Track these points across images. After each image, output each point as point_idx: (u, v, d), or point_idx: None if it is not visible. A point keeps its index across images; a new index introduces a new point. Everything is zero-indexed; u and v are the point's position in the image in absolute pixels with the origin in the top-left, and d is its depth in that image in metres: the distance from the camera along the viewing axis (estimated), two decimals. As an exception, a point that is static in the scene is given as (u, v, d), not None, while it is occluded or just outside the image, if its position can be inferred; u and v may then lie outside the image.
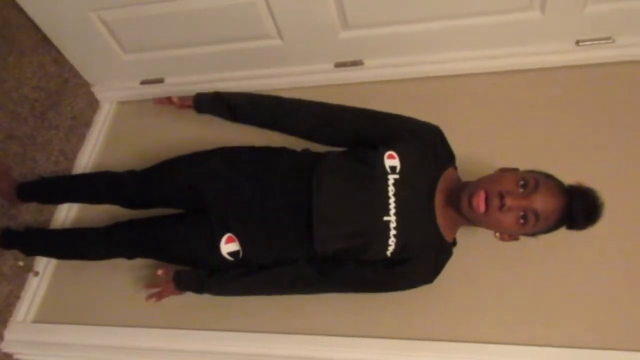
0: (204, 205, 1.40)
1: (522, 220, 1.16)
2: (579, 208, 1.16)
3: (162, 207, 1.55)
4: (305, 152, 1.44)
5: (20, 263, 1.77)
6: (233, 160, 1.43)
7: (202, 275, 1.44)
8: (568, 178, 1.22)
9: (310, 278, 1.36)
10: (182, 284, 1.47)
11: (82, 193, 1.71)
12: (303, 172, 1.32)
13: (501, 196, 1.15)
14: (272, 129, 1.47)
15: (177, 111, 1.77)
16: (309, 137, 1.45)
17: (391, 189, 1.26)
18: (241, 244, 1.35)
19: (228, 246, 1.35)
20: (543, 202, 1.14)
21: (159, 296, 1.52)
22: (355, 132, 1.39)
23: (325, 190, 1.28)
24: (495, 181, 1.20)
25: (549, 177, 1.21)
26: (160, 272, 1.48)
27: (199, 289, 1.46)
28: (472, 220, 1.25)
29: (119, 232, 1.54)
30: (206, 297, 1.50)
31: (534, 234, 1.23)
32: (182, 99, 1.53)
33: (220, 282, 1.43)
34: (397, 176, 1.27)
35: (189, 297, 1.54)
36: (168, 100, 1.55)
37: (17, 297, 1.77)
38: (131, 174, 1.57)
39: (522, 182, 1.16)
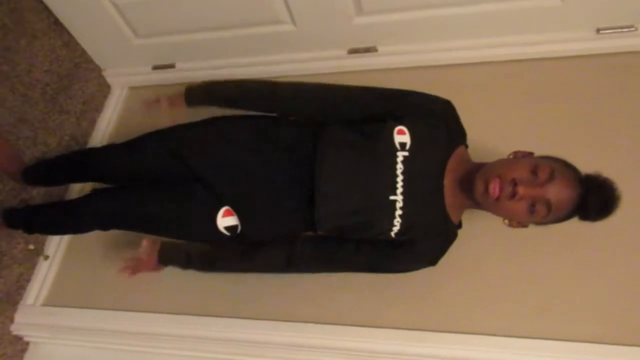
0: (198, 177, 1.31)
1: (532, 209, 1.12)
2: (594, 200, 1.11)
3: (148, 180, 1.43)
4: (306, 121, 1.35)
5: (31, 246, 1.78)
6: (230, 130, 1.33)
7: (191, 250, 1.40)
8: (585, 169, 1.18)
9: (309, 257, 1.32)
10: (167, 257, 1.41)
11: (73, 171, 1.62)
12: (304, 143, 1.26)
13: (514, 184, 1.11)
14: (273, 113, 1.39)
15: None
16: (311, 119, 1.36)
17: (400, 167, 1.19)
18: (240, 218, 1.28)
19: (225, 220, 1.28)
20: (557, 193, 1.10)
21: (134, 269, 1.43)
22: (363, 110, 1.30)
23: (328, 164, 1.21)
24: (510, 167, 1.15)
25: (566, 166, 1.16)
26: (145, 242, 1.41)
27: (185, 263, 1.40)
28: (482, 205, 1.20)
29: (98, 200, 1.44)
30: (218, 283, 1.50)
31: (544, 224, 1.18)
32: (171, 99, 1.46)
33: (209, 259, 1.38)
34: (406, 153, 1.20)
35: (201, 283, 1.53)
36: (157, 102, 1.49)
37: (28, 281, 1.78)
38: (113, 147, 1.51)
39: (536, 170, 1.12)
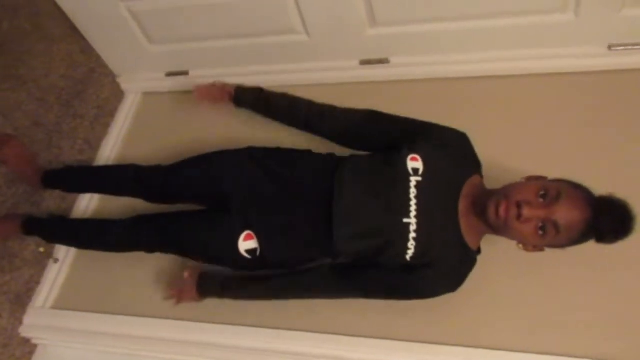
0: (226, 202, 1.40)
1: (541, 232, 1.13)
2: (605, 222, 1.11)
3: (184, 203, 1.57)
4: (330, 155, 1.44)
5: (41, 249, 1.79)
6: (260, 160, 1.43)
7: (225, 280, 1.47)
8: (597, 187, 1.18)
9: (330, 284, 1.35)
10: (204, 287, 1.50)
11: (108, 184, 1.73)
12: (326, 173, 1.32)
13: (519, 206, 1.13)
14: (303, 130, 1.54)
15: (202, 105, 1.80)
16: (337, 141, 1.49)
17: (413, 191, 1.24)
18: (260, 241, 1.35)
19: (246, 243, 1.35)
20: (564, 214, 1.11)
21: (179, 298, 1.54)
22: (383, 138, 1.39)
23: (347, 190, 1.27)
24: (517, 190, 1.18)
25: (576, 188, 1.16)
26: (186, 274, 1.52)
27: (220, 292, 1.48)
28: (495, 230, 1.22)
29: (141, 225, 1.55)
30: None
31: (559, 246, 1.19)
32: (225, 85, 1.60)
33: (240, 286, 1.46)
34: (419, 178, 1.25)
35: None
36: (208, 86, 1.63)
37: (37, 283, 1.79)
38: (157, 169, 1.58)
39: (542, 192, 1.13)
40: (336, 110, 1.50)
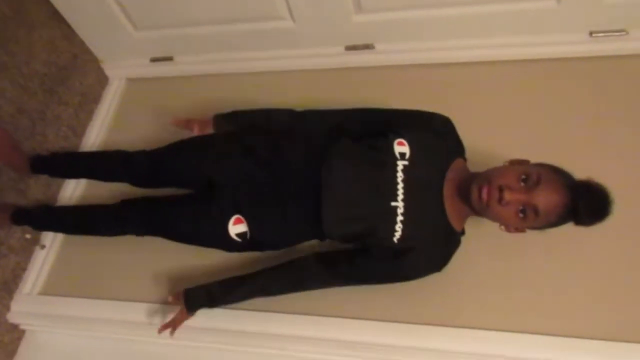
0: (214, 186, 1.41)
1: (521, 215, 1.17)
2: (583, 205, 1.15)
3: (172, 187, 1.57)
4: (317, 137, 1.43)
5: (28, 236, 1.79)
6: (247, 144, 1.42)
7: (209, 291, 1.43)
8: (577, 171, 1.21)
9: (318, 274, 1.36)
10: (191, 301, 1.44)
11: (95, 170, 1.73)
12: (315, 156, 1.33)
13: (501, 189, 1.16)
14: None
15: (186, 90, 1.78)
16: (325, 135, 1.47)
17: (400, 175, 1.26)
18: (249, 225, 1.36)
19: (236, 227, 1.36)
20: (543, 198, 1.14)
21: (174, 325, 1.43)
22: (369, 131, 1.39)
23: (335, 174, 1.29)
24: (499, 174, 1.21)
25: (555, 172, 1.20)
26: (170, 298, 1.46)
27: (209, 301, 1.44)
28: (478, 212, 1.26)
29: (129, 209, 1.55)
30: (213, 274, 1.52)
31: (538, 228, 1.23)
32: (201, 124, 1.56)
33: (226, 292, 1.42)
34: (406, 162, 1.27)
35: (196, 272, 1.56)
36: (187, 125, 1.57)
37: (24, 270, 1.79)
38: (144, 154, 1.58)
39: (523, 177, 1.17)
40: (319, 112, 1.50)
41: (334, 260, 1.36)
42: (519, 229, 1.25)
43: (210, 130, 1.56)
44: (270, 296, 1.45)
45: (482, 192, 1.19)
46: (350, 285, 1.41)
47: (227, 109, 1.58)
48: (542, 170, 1.18)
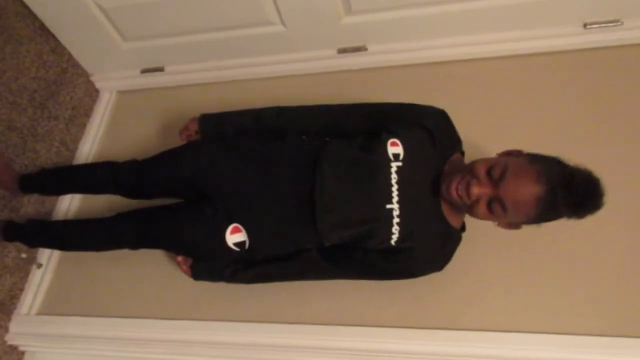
0: (207, 195, 1.38)
1: (490, 208, 1.13)
2: (562, 198, 1.06)
3: (164, 197, 1.54)
4: (310, 139, 1.41)
5: (23, 255, 1.76)
6: (237, 149, 1.39)
7: (215, 269, 1.46)
8: (574, 163, 1.15)
9: (321, 266, 1.35)
10: (199, 272, 1.48)
11: (84, 183, 1.69)
12: (307, 160, 1.30)
13: (468, 183, 1.14)
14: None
15: (178, 100, 1.76)
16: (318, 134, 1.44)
17: (394, 177, 1.24)
18: (248, 234, 1.33)
19: (234, 237, 1.33)
20: (510, 191, 1.09)
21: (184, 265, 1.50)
22: (362, 129, 1.36)
23: (328, 180, 1.26)
24: (472, 168, 1.18)
25: (532, 162, 1.12)
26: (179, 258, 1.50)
27: (213, 280, 1.48)
28: (460, 208, 1.23)
29: (122, 222, 1.52)
30: (212, 288, 1.50)
31: (526, 223, 1.16)
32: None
33: (233, 272, 1.45)
34: (400, 164, 1.24)
35: (196, 287, 1.53)
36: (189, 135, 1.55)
37: (21, 290, 1.76)
38: (132, 164, 1.55)
39: (491, 169, 1.13)
40: (311, 109, 1.46)
41: (336, 255, 1.33)
42: (512, 225, 1.20)
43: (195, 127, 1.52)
44: (271, 282, 1.48)
45: (451, 186, 1.17)
46: (349, 278, 1.41)
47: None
48: (513, 161, 1.13)
